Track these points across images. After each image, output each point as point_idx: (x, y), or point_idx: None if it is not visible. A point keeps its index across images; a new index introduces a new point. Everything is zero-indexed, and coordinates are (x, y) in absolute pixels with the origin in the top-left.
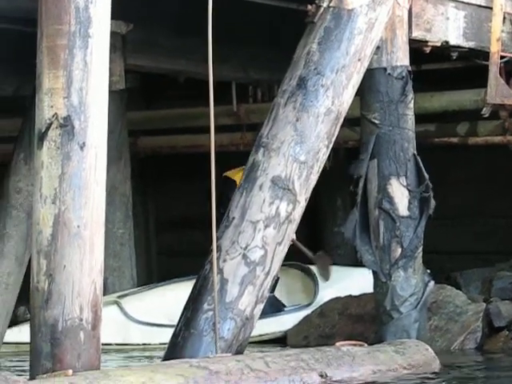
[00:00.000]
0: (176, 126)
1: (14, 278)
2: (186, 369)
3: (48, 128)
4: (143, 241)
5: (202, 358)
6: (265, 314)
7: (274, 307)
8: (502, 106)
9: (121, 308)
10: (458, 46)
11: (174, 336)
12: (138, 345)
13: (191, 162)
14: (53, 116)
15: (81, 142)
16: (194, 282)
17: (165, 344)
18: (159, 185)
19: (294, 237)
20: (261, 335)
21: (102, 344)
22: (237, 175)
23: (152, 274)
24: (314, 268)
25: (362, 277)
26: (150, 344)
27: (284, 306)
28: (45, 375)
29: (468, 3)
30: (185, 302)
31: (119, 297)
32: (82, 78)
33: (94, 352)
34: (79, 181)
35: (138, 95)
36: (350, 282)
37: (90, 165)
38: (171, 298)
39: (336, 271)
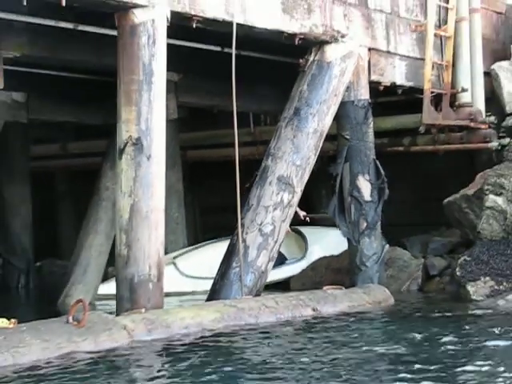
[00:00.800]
0: (213, 142)
1: (104, 248)
2: (221, 307)
3: (125, 145)
4: (191, 221)
5: (232, 299)
6: (274, 266)
7: (279, 260)
8: (432, 125)
9: (176, 267)
10: (402, 85)
11: (213, 285)
12: (189, 293)
13: (224, 167)
14: (128, 137)
15: (147, 154)
16: (226, 242)
17: (207, 291)
18: (202, 183)
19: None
20: (272, 281)
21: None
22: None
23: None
24: (303, 229)
25: (337, 236)
26: (197, 291)
27: (286, 258)
28: (126, 312)
29: (408, 56)
30: (221, 259)
31: (174, 257)
32: (148, 112)
33: (159, 297)
34: (147, 181)
35: (187, 122)
36: (330, 239)
37: (154, 170)
38: (212, 254)
39: (321, 231)
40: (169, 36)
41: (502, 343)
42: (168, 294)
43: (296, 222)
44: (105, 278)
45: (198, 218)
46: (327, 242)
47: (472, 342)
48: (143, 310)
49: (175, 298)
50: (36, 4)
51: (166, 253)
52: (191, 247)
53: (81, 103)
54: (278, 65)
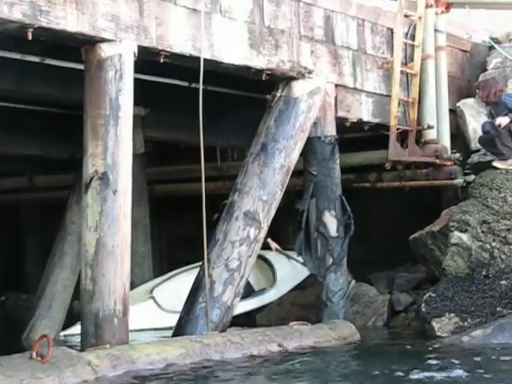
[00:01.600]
0: (180, 177)
1: (70, 282)
2: (187, 343)
3: (91, 180)
4: (158, 256)
5: (197, 335)
6: (241, 297)
7: (247, 291)
8: (398, 161)
9: (155, 301)
10: (368, 122)
11: (179, 320)
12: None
13: (191, 201)
14: (94, 172)
15: (113, 189)
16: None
17: None
18: (169, 217)
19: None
20: (240, 312)
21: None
22: None
23: None
24: (269, 255)
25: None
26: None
27: (253, 290)
28: (91, 348)
29: (374, 93)
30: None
31: (152, 290)
32: (114, 146)
33: (124, 332)
34: (113, 215)
35: (154, 156)
36: (298, 266)
37: (120, 204)
38: (189, 285)
39: (288, 258)
40: (136, 70)
41: (465, 380)
42: (149, 330)
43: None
44: (70, 313)
45: (165, 252)
46: (295, 270)
47: (434, 379)
48: (108, 346)
49: (158, 334)
50: (1, 37)
51: (134, 286)
52: (166, 276)
53: (48, 137)
54: (245, 100)
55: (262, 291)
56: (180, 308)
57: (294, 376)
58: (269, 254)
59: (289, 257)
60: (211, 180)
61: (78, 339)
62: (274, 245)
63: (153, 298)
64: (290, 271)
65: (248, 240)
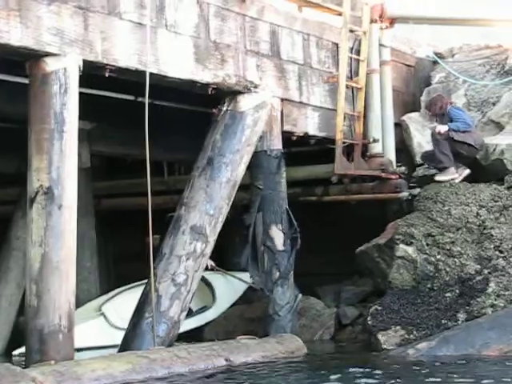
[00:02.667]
0: (127, 191)
1: (15, 298)
2: (133, 358)
3: (36, 194)
4: (105, 270)
5: (144, 350)
6: None
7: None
8: (344, 175)
9: (106, 318)
10: (315, 136)
11: (125, 335)
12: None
13: (138, 216)
14: (39, 186)
15: (58, 204)
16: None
17: None
18: (116, 232)
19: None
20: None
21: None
22: None
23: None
24: (208, 276)
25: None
26: None
27: (191, 309)
28: (35, 364)
29: (320, 107)
30: None
31: (101, 306)
32: (59, 160)
33: (69, 348)
34: (58, 230)
35: (101, 170)
36: (237, 283)
37: (65, 219)
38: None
39: (226, 277)
40: (82, 85)
41: None
42: (101, 348)
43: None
44: (16, 329)
45: (112, 266)
46: (233, 286)
47: None
48: (53, 362)
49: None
50: None
51: (80, 302)
52: (114, 292)
53: None
54: (192, 114)
55: (202, 309)
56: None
57: None
58: (205, 273)
59: (225, 273)
60: (158, 194)
61: None
62: (210, 262)
63: (103, 314)
64: (227, 288)
65: (195, 254)
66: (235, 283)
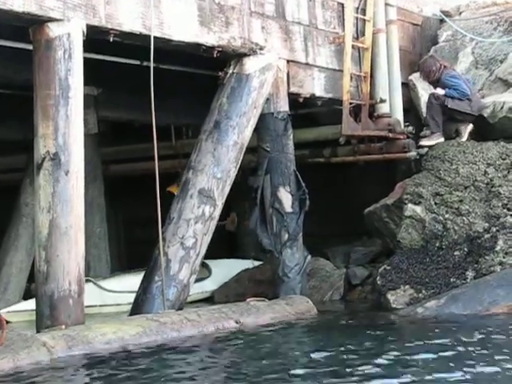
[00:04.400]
0: (134, 156)
1: (25, 264)
2: (144, 321)
3: (43, 161)
4: (114, 236)
5: (154, 313)
6: None
7: None
8: (352, 136)
9: (97, 285)
10: (321, 97)
11: (135, 299)
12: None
13: (145, 180)
14: (46, 152)
15: (65, 169)
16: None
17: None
18: (125, 197)
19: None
20: None
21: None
22: (174, 189)
23: (121, 257)
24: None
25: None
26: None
27: None
28: (46, 329)
29: (327, 68)
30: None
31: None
32: (65, 126)
33: (79, 312)
34: (65, 196)
35: (108, 136)
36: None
37: (72, 185)
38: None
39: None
40: (87, 50)
41: (419, 350)
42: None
43: None
44: (27, 295)
45: (122, 232)
46: (230, 268)
47: (390, 350)
48: (63, 327)
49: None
50: None
51: (90, 269)
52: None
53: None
54: (198, 77)
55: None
56: (120, 288)
57: (250, 352)
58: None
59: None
60: (166, 159)
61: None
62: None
63: (90, 280)
64: (224, 266)
65: (203, 218)
66: (234, 262)
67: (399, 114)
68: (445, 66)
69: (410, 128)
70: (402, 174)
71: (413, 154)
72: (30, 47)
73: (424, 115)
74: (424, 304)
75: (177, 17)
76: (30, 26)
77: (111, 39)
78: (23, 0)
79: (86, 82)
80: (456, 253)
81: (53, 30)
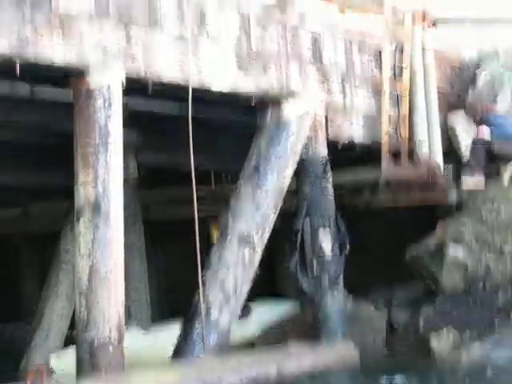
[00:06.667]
0: (175, 200)
1: (66, 311)
2: (183, 368)
3: (83, 208)
4: (155, 279)
5: (194, 359)
6: None
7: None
8: (391, 179)
9: None
10: (360, 143)
11: (177, 345)
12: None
13: (186, 224)
14: (86, 200)
15: (105, 216)
16: None
17: None
18: (165, 240)
19: None
20: None
21: None
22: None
23: (162, 302)
24: None
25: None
26: None
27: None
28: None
29: (364, 110)
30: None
31: None
32: (104, 173)
33: (120, 359)
34: (105, 242)
35: (148, 180)
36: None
37: (111, 231)
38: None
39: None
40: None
41: None
42: None
43: None
44: (69, 342)
45: (162, 276)
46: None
47: None
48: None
49: None
50: None
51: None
52: None
53: (41, 166)
54: (237, 123)
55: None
56: None
57: None
58: None
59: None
60: (206, 203)
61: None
62: None
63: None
64: (265, 307)
65: (243, 263)
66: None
67: (439, 156)
68: (490, 108)
69: (450, 169)
70: (443, 213)
71: (453, 199)
72: (70, 99)
73: (464, 158)
74: (468, 349)
75: (215, 66)
76: (71, 76)
77: (150, 89)
78: (63, 52)
79: (126, 128)
80: (500, 294)
81: (93, 80)
